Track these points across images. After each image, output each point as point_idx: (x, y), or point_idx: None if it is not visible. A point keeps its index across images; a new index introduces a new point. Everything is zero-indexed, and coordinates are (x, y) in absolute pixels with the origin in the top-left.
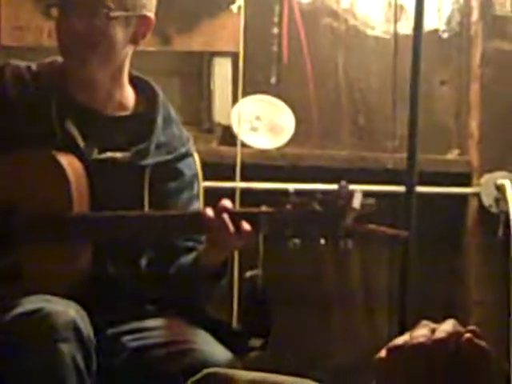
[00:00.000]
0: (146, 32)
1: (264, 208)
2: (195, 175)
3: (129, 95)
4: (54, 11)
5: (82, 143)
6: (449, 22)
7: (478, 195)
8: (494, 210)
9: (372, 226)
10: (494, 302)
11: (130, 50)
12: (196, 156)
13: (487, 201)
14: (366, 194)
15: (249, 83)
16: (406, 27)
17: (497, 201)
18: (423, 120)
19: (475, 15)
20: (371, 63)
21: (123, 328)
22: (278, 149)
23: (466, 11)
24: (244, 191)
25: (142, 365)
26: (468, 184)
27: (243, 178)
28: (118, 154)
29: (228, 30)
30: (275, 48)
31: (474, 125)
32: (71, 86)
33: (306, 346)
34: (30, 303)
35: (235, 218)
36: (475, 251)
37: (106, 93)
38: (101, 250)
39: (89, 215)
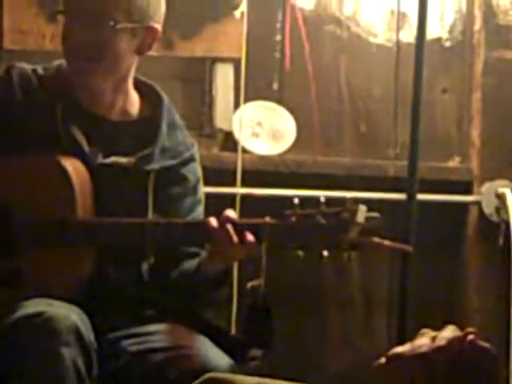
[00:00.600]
0: (152, 43)
1: (268, 219)
2: (198, 180)
3: (133, 101)
4: (60, 18)
5: (86, 148)
6: (451, 31)
7: (478, 203)
8: (494, 218)
9: (376, 240)
10: (494, 310)
11: (134, 60)
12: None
13: (488, 209)
14: (366, 201)
15: (251, 89)
16: (408, 35)
17: (497, 209)
18: (425, 128)
19: (478, 24)
20: (373, 71)
21: (124, 332)
22: (280, 155)
23: (468, 20)
24: (245, 197)
25: (142, 369)
26: (469, 192)
27: (244, 184)
28: (123, 159)
29: (231, 36)
30: (278, 54)
31: (475, 133)
32: (76, 91)
33: (305, 351)
34: (32, 307)
35: (239, 228)
36: (475, 259)
37: (109, 100)
38: (103, 255)
39: (92, 221)
